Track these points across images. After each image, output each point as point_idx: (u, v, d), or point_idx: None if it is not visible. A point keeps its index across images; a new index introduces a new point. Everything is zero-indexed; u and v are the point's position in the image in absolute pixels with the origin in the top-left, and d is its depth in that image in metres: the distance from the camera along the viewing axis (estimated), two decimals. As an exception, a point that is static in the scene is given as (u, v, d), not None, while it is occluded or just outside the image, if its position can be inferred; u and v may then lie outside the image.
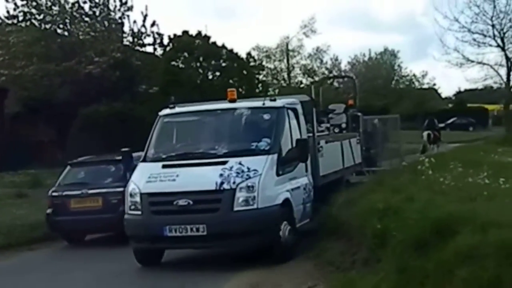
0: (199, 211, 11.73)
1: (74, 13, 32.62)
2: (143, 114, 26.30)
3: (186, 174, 12.19)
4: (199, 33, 35.90)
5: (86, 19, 32.80)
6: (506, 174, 12.89)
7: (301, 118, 13.76)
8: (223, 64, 36.34)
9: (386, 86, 74.42)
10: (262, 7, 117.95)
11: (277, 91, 55.00)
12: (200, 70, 35.00)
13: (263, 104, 13.17)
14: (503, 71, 37.11)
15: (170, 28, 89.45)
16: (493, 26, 36.38)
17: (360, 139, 18.74)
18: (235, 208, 11.64)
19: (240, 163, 11.99)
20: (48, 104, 29.49)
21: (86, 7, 32.86)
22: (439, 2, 54.40)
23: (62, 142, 29.02)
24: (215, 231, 11.55)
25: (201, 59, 35.14)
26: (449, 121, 69.33)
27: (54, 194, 16.14)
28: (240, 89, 34.55)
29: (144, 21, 33.55)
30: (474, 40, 36.93)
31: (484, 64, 37.22)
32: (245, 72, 36.62)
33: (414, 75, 79.52)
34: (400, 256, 8.38)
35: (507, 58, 36.58)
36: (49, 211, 16.01)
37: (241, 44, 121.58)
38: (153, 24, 33.73)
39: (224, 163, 12.09)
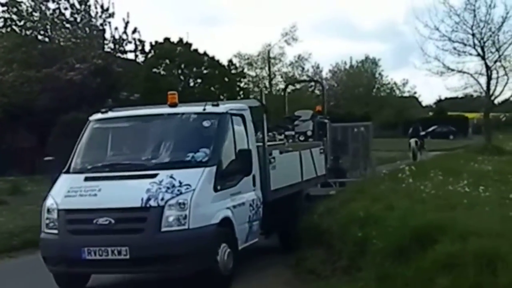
0: (121, 231, 10.27)
1: (55, 20, 32.50)
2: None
3: (109, 189, 10.74)
4: (181, 40, 35.94)
5: (67, 25, 32.69)
6: (486, 183, 13.00)
7: (250, 125, 12.35)
8: (205, 71, 36.36)
9: (367, 94, 74.68)
10: (243, 14, 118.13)
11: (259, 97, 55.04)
12: (182, 77, 35.03)
13: (204, 109, 11.65)
14: (483, 80, 37.19)
15: (151, 35, 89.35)
16: (473, 35, 36.47)
17: (325, 148, 17.25)
18: (163, 229, 10.16)
19: (171, 177, 10.53)
20: (29, 110, 29.32)
21: (67, 13, 32.77)
22: (419, 11, 54.60)
23: (42, 149, 28.86)
24: (140, 255, 10.13)
25: (182, 66, 35.18)
26: (430, 129, 69.59)
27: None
28: (221, 96, 34.59)
29: (125, 27, 33.52)
30: (455, 48, 36.95)
31: (464, 72, 37.28)
32: (226, 79, 36.64)
33: (395, 83, 79.97)
34: (380, 264, 8.41)
35: (487, 67, 36.69)
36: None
37: (222, 52, 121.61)
38: (134, 31, 33.70)
39: (153, 176, 10.63)
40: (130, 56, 34.74)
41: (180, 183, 10.47)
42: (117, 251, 10.20)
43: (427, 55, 37.14)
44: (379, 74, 79.28)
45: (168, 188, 10.39)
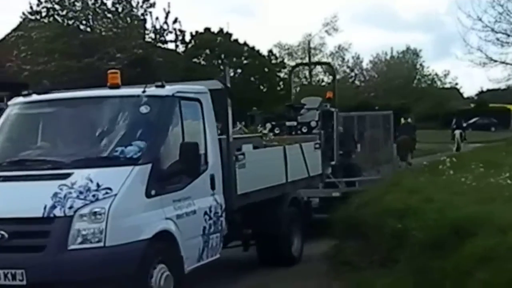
0: (16, 249, 7.91)
1: (97, 9, 32.71)
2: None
3: (8, 193, 8.43)
4: (221, 30, 36.01)
5: (109, 15, 32.87)
6: (528, 175, 12.80)
7: (209, 113, 10.00)
8: (245, 62, 36.35)
9: (408, 85, 74.10)
10: (284, 4, 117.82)
11: (298, 89, 54.94)
12: (221, 68, 35.01)
13: (143, 91, 9.27)
14: (526, 71, 36.70)
15: (192, 25, 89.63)
16: (516, 25, 35.99)
17: (330, 141, 15.47)
18: (70, 246, 7.79)
19: (88, 178, 8.19)
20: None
21: (109, 3, 32.93)
22: (462, 1, 53.87)
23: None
24: (39, 280, 7.79)
25: (222, 56, 35.19)
26: (471, 121, 68.91)
27: None
28: (261, 87, 34.58)
29: (166, 18, 33.57)
30: (498, 39, 36.40)
31: (507, 63, 36.74)
32: (266, 69, 36.60)
33: (436, 74, 79.27)
34: (418, 256, 8.35)
35: (530, 58, 36.20)
36: None
37: (263, 42, 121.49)
38: (175, 21, 33.73)
39: (65, 176, 8.26)
40: (171, 46, 34.86)
41: (98, 186, 8.14)
42: (10, 274, 7.81)
43: (469, 46, 36.66)
44: (420, 65, 78.72)
45: (81, 192, 8.05)
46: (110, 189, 8.08)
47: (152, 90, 9.31)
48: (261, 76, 36.86)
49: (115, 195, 8.04)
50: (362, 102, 52.47)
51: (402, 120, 34.69)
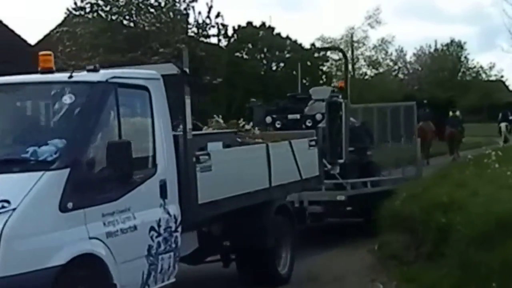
0: None
1: (140, 4, 32.90)
2: (207, 105, 26.51)
3: None
4: (263, 24, 36.01)
5: (152, 10, 33.05)
6: None
7: (160, 105, 8.09)
8: (287, 55, 36.33)
9: (452, 78, 73.41)
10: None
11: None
12: (264, 61, 35.07)
13: (70, 77, 7.53)
14: None
15: (234, 19, 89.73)
16: None
17: (337, 137, 13.95)
18: None
19: None
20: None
21: (152, -2, 33.15)
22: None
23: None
24: None
25: (265, 50, 35.23)
26: (500, 116, 68.09)
27: None
28: (304, 80, 34.54)
29: (209, 12, 33.61)
30: (544, 31, 36.04)
31: (553, 55, 36.33)
32: (309, 63, 36.54)
33: (481, 67, 78.35)
34: (464, 251, 8.29)
35: None
36: None
37: (305, 35, 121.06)
38: (217, 15, 33.77)
39: None
40: (213, 40, 34.92)
41: None
42: None
43: (515, 37, 36.35)
44: (465, 57, 77.81)
45: None
46: (7, 202, 6.31)
47: (81, 75, 7.62)
48: (304, 70, 36.75)
49: (14, 209, 6.26)
50: (407, 95, 51.99)
51: (450, 113, 34.55)
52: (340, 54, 57.67)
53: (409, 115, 17.17)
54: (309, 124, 13.88)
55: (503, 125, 37.51)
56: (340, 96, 14.87)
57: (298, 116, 14.13)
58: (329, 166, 13.26)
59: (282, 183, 10.63)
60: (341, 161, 13.85)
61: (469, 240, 8.37)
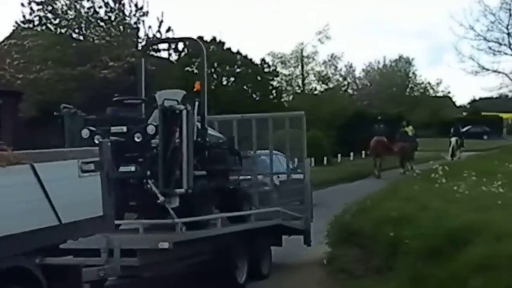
0: None
1: (90, 18, 32.70)
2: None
3: None
4: (214, 39, 35.97)
5: (102, 23, 32.87)
6: (521, 184, 12.85)
7: None
8: (238, 70, 36.39)
9: (401, 93, 74.29)
10: (277, 14, 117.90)
11: (291, 97, 54.97)
12: (215, 76, 35.04)
13: None
14: (518, 80, 36.97)
15: (185, 34, 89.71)
16: (508, 34, 36.23)
17: (172, 156, 9.62)
18: None
19: None
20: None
21: (102, 11, 32.91)
22: (454, 10, 54.23)
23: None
24: None
25: (215, 65, 35.19)
26: (464, 130, 69.14)
27: None
28: (254, 95, 34.63)
29: (159, 26, 33.59)
30: (490, 48, 36.75)
31: (499, 72, 37.05)
32: (259, 78, 36.66)
33: (428, 83, 79.42)
34: (413, 264, 8.37)
35: (522, 66, 36.44)
36: None
37: (255, 50, 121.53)
38: (168, 29, 33.76)
39: None
40: (164, 54, 34.87)
41: None
42: None
43: (461, 54, 36.99)
44: (413, 73, 78.85)
45: None
46: None
47: None
48: (254, 85, 36.84)
49: None
50: (358, 111, 52.54)
51: (406, 129, 35.47)
52: (291, 69, 58.23)
53: (297, 128, 13.93)
54: (138, 140, 10.03)
55: (453, 139, 38.28)
56: (197, 103, 10.89)
57: (124, 128, 10.26)
58: (162, 198, 9.53)
59: (12, 233, 6.93)
60: (180, 190, 9.67)
61: (418, 254, 8.47)
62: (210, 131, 11.34)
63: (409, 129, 36.37)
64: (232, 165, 11.74)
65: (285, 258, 13.00)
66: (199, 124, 10.70)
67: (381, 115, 44.09)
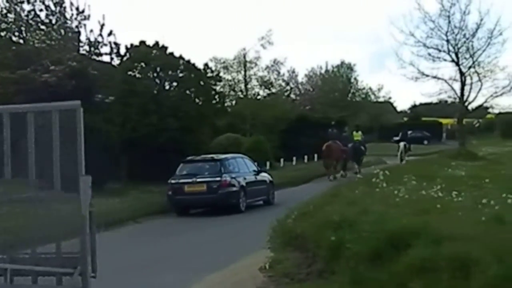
0: None
1: (30, 21, 32.32)
2: (99, 124, 26.17)
3: None
4: (157, 43, 35.78)
5: (42, 27, 32.52)
6: (459, 188, 13.07)
7: None
8: (180, 75, 36.26)
9: (343, 99, 74.94)
10: (220, 19, 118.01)
11: (234, 102, 55.04)
12: (157, 80, 34.87)
13: None
14: (457, 86, 37.58)
15: (127, 38, 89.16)
16: (447, 41, 36.83)
17: None
18: None
19: None
20: (3, 112, 29.09)
21: (42, 15, 32.60)
22: (395, 17, 54.90)
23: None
24: None
25: (158, 69, 35.03)
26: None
27: (173, 181, 23.28)
28: (197, 100, 34.57)
29: (101, 30, 33.39)
30: (429, 54, 37.32)
31: (438, 78, 37.63)
32: (202, 83, 36.58)
33: (370, 88, 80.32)
34: (355, 268, 8.44)
35: (461, 73, 37.05)
36: (170, 193, 23.23)
37: (198, 55, 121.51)
38: (110, 33, 33.57)
39: None
40: (106, 58, 34.63)
41: None
42: None
43: (402, 60, 37.46)
44: (355, 79, 79.64)
45: None
46: None
47: None
48: (197, 89, 36.75)
49: None
50: (300, 116, 52.90)
51: (356, 134, 36.92)
52: (234, 74, 58.26)
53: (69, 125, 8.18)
54: None
55: (401, 144, 39.59)
56: None
57: None
58: None
59: None
60: None
61: (359, 257, 8.53)
62: None
63: (359, 134, 37.37)
64: None
65: (227, 263, 13.00)
66: None
67: (321, 119, 44.61)
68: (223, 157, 24.71)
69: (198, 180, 23.23)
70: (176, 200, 23.27)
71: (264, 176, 26.30)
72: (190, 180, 23.28)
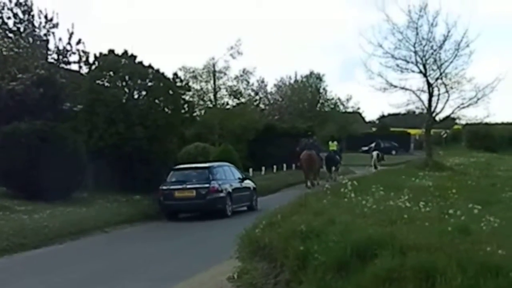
0: None
1: (-3, 29, 32.06)
2: (66, 133, 25.98)
3: None
4: (125, 52, 35.66)
5: (10, 35, 32.25)
6: (426, 198, 13.18)
7: None
8: (149, 84, 36.17)
9: (312, 109, 75.12)
10: (189, 29, 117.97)
11: (203, 111, 54.93)
12: (126, 89, 34.73)
13: None
14: (424, 97, 37.88)
15: (96, 46, 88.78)
16: (415, 52, 37.12)
17: None
18: None
19: None
20: (-32, 120, 28.82)
21: (10, 23, 32.34)
22: (364, 28, 55.15)
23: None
24: None
25: (126, 78, 34.90)
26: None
27: (164, 187, 24.43)
28: (165, 109, 34.48)
29: (69, 38, 33.20)
30: (398, 65, 37.59)
31: (406, 89, 37.90)
32: (171, 92, 36.51)
33: (339, 98, 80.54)
34: (322, 278, 8.45)
35: (428, 84, 37.35)
36: (160, 198, 24.34)
37: (168, 65, 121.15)
38: (78, 42, 33.39)
39: None
40: (74, 67, 34.42)
41: None
42: None
43: (370, 71, 37.66)
44: (323, 89, 79.83)
45: None
46: None
47: None
48: (166, 99, 36.67)
49: None
50: (268, 125, 53.06)
51: (331, 144, 38.13)
52: (203, 83, 58.21)
53: None
54: None
55: (374, 153, 40.90)
56: None
57: None
58: None
59: None
60: None
61: (326, 267, 8.55)
62: None
63: (334, 145, 38.35)
64: None
65: (195, 272, 12.95)
66: None
67: (292, 129, 44.86)
68: (211, 165, 26.32)
69: (188, 186, 24.42)
70: (166, 205, 24.46)
71: (248, 183, 27.81)
72: (180, 187, 24.43)
